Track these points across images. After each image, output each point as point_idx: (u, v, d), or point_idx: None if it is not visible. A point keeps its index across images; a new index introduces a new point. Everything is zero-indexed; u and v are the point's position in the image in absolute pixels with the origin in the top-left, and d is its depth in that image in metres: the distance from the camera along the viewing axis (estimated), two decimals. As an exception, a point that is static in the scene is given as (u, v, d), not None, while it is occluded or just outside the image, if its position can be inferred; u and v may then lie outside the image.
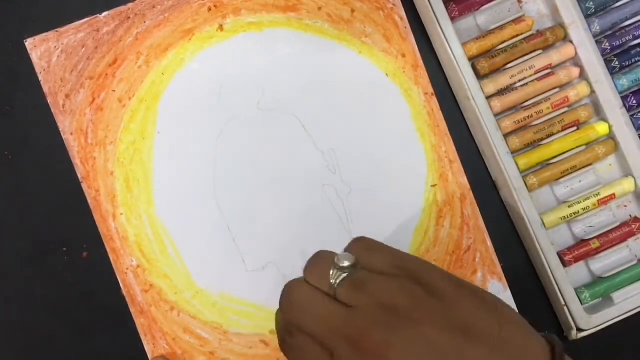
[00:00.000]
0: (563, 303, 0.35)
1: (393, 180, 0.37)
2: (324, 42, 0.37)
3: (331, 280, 0.25)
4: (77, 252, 0.36)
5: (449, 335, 0.23)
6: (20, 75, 0.36)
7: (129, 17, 0.36)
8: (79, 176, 0.36)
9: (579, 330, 0.35)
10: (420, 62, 0.37)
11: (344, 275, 0.25)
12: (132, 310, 0.36)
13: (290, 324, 0.26)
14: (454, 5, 0.36)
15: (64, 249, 0.36)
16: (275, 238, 0.37)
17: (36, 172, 0.36)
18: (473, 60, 0.37)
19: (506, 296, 0.37)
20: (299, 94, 0.37)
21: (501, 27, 0.37)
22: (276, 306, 0.36)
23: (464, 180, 0.37)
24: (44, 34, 0.36)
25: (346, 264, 0.26)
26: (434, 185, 0.37)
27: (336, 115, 0.37)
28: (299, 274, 0.36)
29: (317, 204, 0.37)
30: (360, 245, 0.27)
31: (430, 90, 0.37)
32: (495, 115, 0.36)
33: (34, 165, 0.36)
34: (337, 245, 0.36)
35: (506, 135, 0.37)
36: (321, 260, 0.27)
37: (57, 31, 0.36)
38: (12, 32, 0.36)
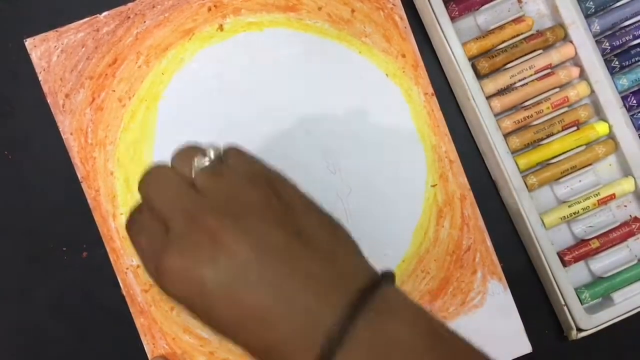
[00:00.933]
0: (563, 303, 0.35)
1: (393, 181, 0.37)
2: (323, 42, 0.37)
3: (194, 165, 0.26)
4: (77, 252, 0.36)
5: (284, 233, 0.24)
6: (21, 75, 0.36)
7: (129, 17, 0.36)
8: (79, 176, 0.36)
9: (579, 330, 0.35)
10: (420, 62, 0.37)
11: (207, 164, 0.26)
12: (132, 310, 0.36)
13: (142, 202, 0.26)
14: (454, 5, 0.36)
15: (64, 249, 0.36)
16: None
17: (36, 172, 0.36)
18: (473, 60, 0.37)
19: (506, 297, 0.37)
20: (298, 94, 0.37)
21: (501, 27, 0.37)
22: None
23: (464, 180, 0.37)
24: (44, 34, 0.36)
25: (212, 154, 0.26)
26: (433, 185, 0.37)
27: (336, 115, 0.37)
28: None
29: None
30: (232, 148, 0.28)
31: (430, 90, 0.37)
32: (495, 115, 0.36)
33: (34, 165, 0.36)
34: None
35: (506, 135, 0.37)
36: (189, 149, 0.27)
37: (57, 31, 0.36)
38: (13, 32, 0.36)
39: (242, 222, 0.24)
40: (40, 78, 0.36)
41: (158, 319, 0.36)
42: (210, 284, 0.23)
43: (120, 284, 0.36)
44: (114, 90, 0.36)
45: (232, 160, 0.27)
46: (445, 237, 0.37)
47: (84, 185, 0.36)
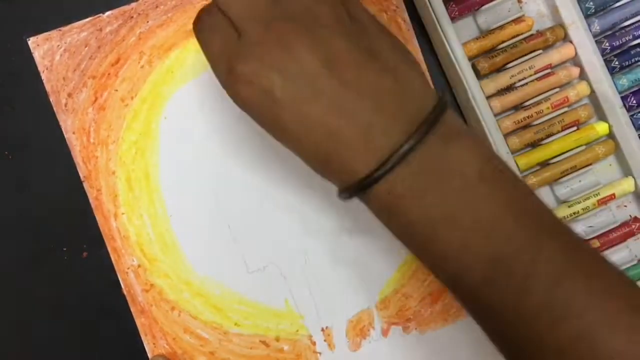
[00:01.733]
0: (563, 303, 0.35)
1: None
2: None
3: None
4: (77, 252, 0.36)
5: (356, 49, 0.24)
6: (21, 75, 0.36)
7: (132, 17, 0.36)
8: (81, 175, 0.36)
9: (579, 330, 0.35)
10: (423, 64, 0.37)
11: None
12: (132, 309, 0.36)
13: (213, 4, 0.27)
14: (454, 5, 0.36)
15: (64, 249, 0.36)
16: (277, 238, 0.37)
17: (36, 172, 0.36)
18: (473, 60, 0.37)
19: None
20: None
21: (501, 27, 0.37)
22: (276, 307, 0.36)
23: None
24: (47, 33, 0.36)
25: None
26: None
27: None
28: (301, 274, 0.37)
29: (317, 203, 0.37)
30: None
31: None
32: (495, 115, 0.36)
33: (34, 165, 0.36)
34: (338, 246, 0.36)
35: (506, 135, 0.37)
36: None
37: (60, 30, 0.36)
38: (14, 31, 0.36)
39: (316, 33, 0.24)
40: (43, 77, 0.36)
41: (159, 319, 0.36)
42: (278, 91, 0.24)
43: (121, 284, 0.36)
44: (117, 90, 0.36)
45: None
46: None
47: (85, 185, 0.36)
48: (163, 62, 0.37)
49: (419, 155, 0.23)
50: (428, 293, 0.37)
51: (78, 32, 0.36)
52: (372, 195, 0.25)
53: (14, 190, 0.36)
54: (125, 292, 0.36)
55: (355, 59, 0.24)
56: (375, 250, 0.37)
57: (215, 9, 0.26)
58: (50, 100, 0.36)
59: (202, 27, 0.27)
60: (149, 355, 0.36)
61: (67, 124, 0.36)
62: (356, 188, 0.25)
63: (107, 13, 0.36)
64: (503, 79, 0.36)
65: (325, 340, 0.36)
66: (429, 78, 0.27)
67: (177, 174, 0.36)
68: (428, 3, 0.36)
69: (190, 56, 0.37)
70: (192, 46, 0.37)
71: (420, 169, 0.23)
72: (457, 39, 0.36)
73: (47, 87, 0.36)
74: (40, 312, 0.36)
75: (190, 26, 0.36)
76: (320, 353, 0.36)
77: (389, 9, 0.37)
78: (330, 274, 0.36)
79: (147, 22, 0.36)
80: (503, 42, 0.37)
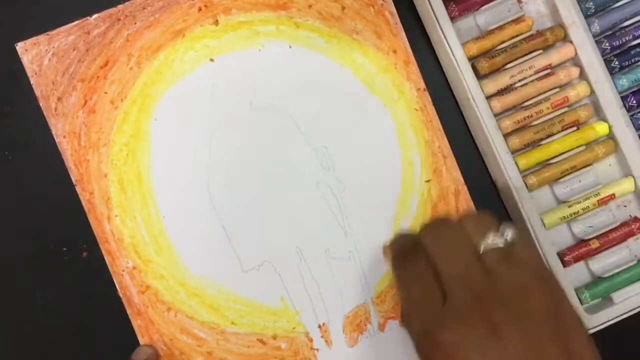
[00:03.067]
0: (563, 303, 0.35)
1: (387, 177, 0.37)
2: (315, 39, 0.37)
3: (488, 241, 0.26)
4: (77, 252, 0.36)
5: (557, 351, 0.24)
6: (20, 76, 0.36)
7: (119, 19, 0.36)
8: (73, 179, 0.36)
9: (579, 330, 0.35)
10: (412, 58, 0.37)
11: (501, 243, 0.26)
12: (128, 311, 0.36)
13: (419, 248, 0.26)
14: (454, 5, 0.36)
15: (64, 249, 0.36)
16: (271, 237, 0.37)
17: (36, 172, 0.36)
18: (473, 60, 0.37)
19: None
20: (291, 92, 0.37)
21: (501, 27, 0.37)
22: (272, 304, 0.36)
23: (458, 174, 0.37)
24: (35, 38, 0.36)
25: (509, 235, 0.27)
26: (427, 181, 0.37)
27: (329, 113, 0.37)
28: (295, 272, 0.37)
29: (311, 201, 0.37)
30: (523, 237, 0.28)
31: (423, 85, 0.37)
32: (495, 115, 0.36)
33: (34, 165, 0.36)
34: (333, 242, 0.36)
35: (506, 135, 0.37)
36: (486, 220, 0.28)
37: (47, 34, 0.36)
38: (10, 31, 0.36)
39: (523, 325, 0.24)
40: (32, 82, 0.36)
41: (155, 320, 0.36)
42: None
43: (117, 286, 0.36)
44: (106, 93, 0.36)
45: (523, 250, 0.27)
46: None
47: (78, 188, 0.36)
48: (152, 63, 0.37)
49: None
50: None
51: (66, 35, 0.36)
52: None
53: (14, 190, 0.36)
54: (120, 295, 0.36)
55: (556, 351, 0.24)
56: (370, 246, 0.37)
57: (425, 258, 0.26)
58: (40, 104, 0.36)
59: (405, 270, 0.27)
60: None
61: (58, 128, 0.36)
62: None
63: (94, 16, 0.36)
64: (503, 79, 0.36)
65: (322, 337, 0.36)
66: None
67: (170, 174, 0.36)
68: (428, 3, 0.36)
69: (178, 57, 0.37)
70: (181, 47, 0.37)
71: None
72: (457, 39, 0.36)
73: (37, 91, 0.36)
74: (40, 312, 0.36)
75: (179, 26, 0.36)
76: (317, 349, 0.36)
77: (375, 3, 0.37)
78: (325, 270, 0.37)
79: (135, 23, 0.36)
80: (503, 42, 0.37)
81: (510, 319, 0.24)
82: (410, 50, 0.37)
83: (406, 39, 0.37)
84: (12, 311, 0.36)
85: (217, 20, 0.37)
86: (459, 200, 0.37)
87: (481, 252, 0.26)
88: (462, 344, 0.23)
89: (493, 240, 0.26)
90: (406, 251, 0.28)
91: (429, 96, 0.37)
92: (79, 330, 0.36)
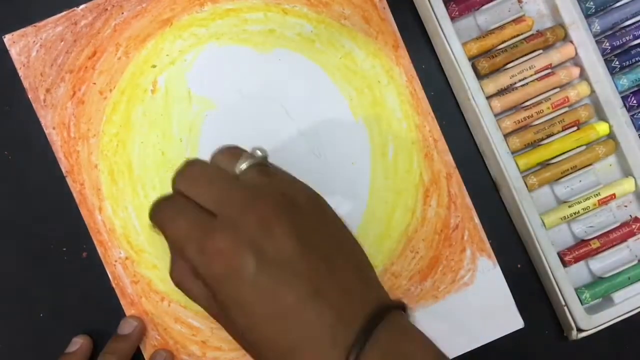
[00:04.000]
0: (563, 303, 0.35)
1: (378, 162, 0.37)
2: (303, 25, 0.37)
3: (240, 165, 0.26)
4: (77, 252, 0.36)
5: (328, 243, 0.25)
6: (19, 75, 0.36)
7: (107, 9, 0.36)
8: (63, 170, 0.36)
9: (579, 330, 0.35)
10: (401, 42, 0.37)
11: (254, 162, 0.27)
12: (122, 302, 0.36)
13: (177, 192, 0.27)
14: (454, 5, 0.36)
15: (64, 249, 0.36)
16: None
17: (36, 172, 0.36)
18: (473, 60, 0.37)
19: (496, 273, 0.37)
20: (280, 79, 0.37)
21: (501, 27, 0.37)
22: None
23: (449, 158, 0.37)
24: (22, 29, 0.36)
25: (259, 154, 0.27)
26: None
27: (318, 99, 0.37)
28: None
29: None
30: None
31: (412, 70, 0.37)
32: (495, 115, 0.36)
33: (34, 165, 0.36)
34: None
35: (506, 135, 0.37)
36: (234, 148, 0.28)
37: (35, 26, 0.36)
38: (8, 31, 0.36)
39: (295, 219, 0.24)
40: (20, 74, 0.36)
41: (149, 310, 0.36)
42: (248, 272, 0.23)
43: (110, 277, 0.36)
44: (95, 83, 0.36)
45: (275, 167, 0.28)
46: (432, 216, 0.37)
47: (68, 179, 0.36)
48: (140, 53, 0.36)
49: (371, 352, 0.23)
50: (417, 271, 0.37)
51: (53, 27, 0.36)
52: None
53: (14, 190, 0.36)
54: (114, 285, 0.36)
55: (327, 254, 0.25)
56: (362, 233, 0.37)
57: (179, 196, 0.26)
58: (29, 96, 0.36)
59: (164, 209, 0.27)
60: (142, 349, 0.36)
61: (47, 119, 0.36)
62: None
63: (82, 6, 0.36)
64: (503, 79, 0.36)
65: None
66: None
67: (161, 163, 0.36)
68: (428, 3, 0.36)
69: (167, 46, 0.37)
70: (169, 36, 0.37)
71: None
72: (457, 39, 0.36)
73: (25, 83, 0.36)
74: (41, 312, 0.36)
75: (166, 15, 0.36)
76: None
77: None
78: None
79: (122, 13, 0.36)
80: (503, 42, 0.37)
81: (283, 216, 0.24)
82: (399, 34, 0.37)
83: (394, 23, 0.37)
84: (12, 311, 0.36)
85: (204, 8, 0.37)
86: (451, 183, 0.37)
87: (238, 174, 0.26)
88: (239, 247, 0.23)
89: (246, 161, 0.27)
90: (160, 200, 0.28)
91: (418, 81, 0.37)
92: (79, 330, 0.36)
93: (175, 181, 0.28)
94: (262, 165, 0.27)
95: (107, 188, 0.36)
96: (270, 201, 0.25)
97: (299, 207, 0.25)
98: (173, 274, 0.28)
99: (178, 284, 0.28)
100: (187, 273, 0.27)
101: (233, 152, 0.28)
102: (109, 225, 0.36)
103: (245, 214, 0.24)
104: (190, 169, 0.27)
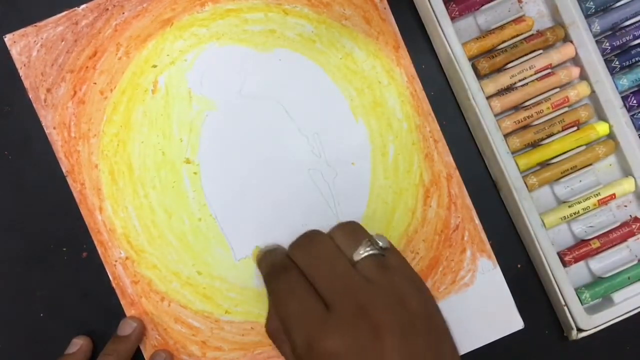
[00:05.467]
0: (563, 303, 0.35)
1: (378, 162, 0.37)
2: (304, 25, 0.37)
3: (360, 251, 0.26)
4: (77, 252, 0.36)
5: (432, 355, 0.24)
6: (19, 75, 0.36)
7: (107, 9, 0.36)
8: (64, 170, 0.36)
9: (579, 330, 0.35)
10: (401, 43, 0.37)
11: (374, 252, 0.26)
12: (122, 302, 0.36)
13: (291, 263, 0.26)
14: (454, 5, 0.36)
15: (64, 249, 0.36)
16: (263, 224, 0.37)
17: (36, 172, 0.36)
18: (473, 60, 0.37)
19: (496, 274, 0.37)
20: (280, 79, 0.37)
21: (501, 27, 0.37)
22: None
23: (450, 159, 0.37)
24: (23, 29, 0.36)
25: (381, 244, 0.27)
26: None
27: (318, 99, 0.37)
28: None
29: (303, 188, 0.37)
30: (393, 247, 0.28)
31: (413, 70, 0.37)
32: (495, 115, 0.36)
33: (34, 165, 0.36)
34: (325, 228, 0.36)
35: (506, 135, 0.37)
36: (356, 230, 0.28)
37: (35, 26, 0.36)
38: (9, 30, 0.36)
39: (408, 338, 0.24)
40: (21, 74, 0.36)
41: (149, 310, 0.36)
42: None
43: (110, 277, 0.36)
44: (95, 83, 0.36)
45: (395, 258, 0.27)
46: (433, 217, 0.37)
47: (69, 179, 0.36)
48: (140, 53, 0.37)
49: None
50: (417, 271, 0.37)
51: (54, 26, 0.36)
52: None
53: (14, 190, 0.36)
54: (114, 285, 0.36)
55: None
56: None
57: (296, 270, 0.26)
58: (30, 96, 0.36)
59: (277, 284, 0.26)
60: (142, 349, 0.36)
61: (48, 119, 0.36)
62: None
63: (82, 6, 0.36)
64: (503, 79, 0.36)
65: None
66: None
67: (161, 163, 0.36)
68: (428, 3, 0.36)
69: (167, 46, 0.37)
70: (169, 36, 0.37)
71: None
72: (457, 39, 0.36)
73: (26, 83, 0.36)
74: (40, 312, 0.36)
75: (167, 15, 0.36)
76: None
77: None
78: None
79: (123, 13, 0.36)
80: (503, 42, 0.37)
81: (393, 325, 0.24)
82: (399, 34, 0.37)
83: (395, 24, 0.37)
84: (12, 311, 0.36)
85: (205, 8, 0.37)
86: (452, 184, 0.37)
87: (356, 261, 0.26)
88: (347, 353, 0.23)
89: (366, 249, 0.26)
90: (277, 267, 0.27)
91: (419, 81, 0.37)
92: (79, 330, 0.36)
93: (292, 250, 0.27)
94: (381, 255, 0.27)
95: (108, 188, 0.36)
96: (387, 311, 0.24)
97: (412, 320, 0.25)
98: (269, 327, 0.28)
99: (271, 336, 0.28)
100: (282, 331, 0.27)
101: (355, 234, 0.27)
102: (109, 225, 0.36)
103: (361, 319, 0.24)
104: (310, 244, 0.27)
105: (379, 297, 0.25)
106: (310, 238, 0.28)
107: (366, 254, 0.26)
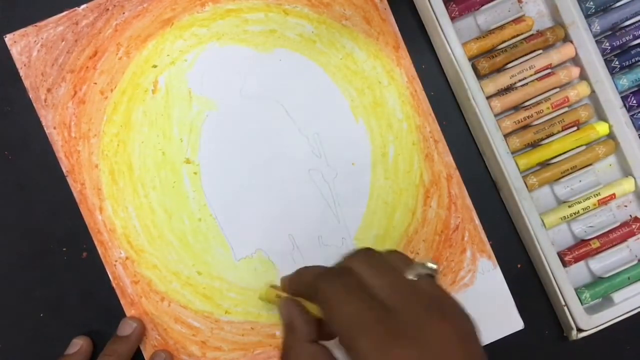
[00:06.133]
0: (563, 303, 0.35)
1: (378, 162, 0.37)
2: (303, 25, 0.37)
3: (412, 270, 0.26)
4: (77, 252, 0.36)
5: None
6: (19, 75, 0.36)
7: (108, 9, 0.36)
8: (64, 170, 0.36)
9: (579, 330, 0.35)
10: (402, 43, 0.37)
11: (426, 272, 0.26)
12: (122, 302, 0.36)
13: (349, 268, 0.26)
14: (454, 5, 0.36)
15: (64, 249, 0.36)
16: (264, 224, 0.37)
17: (36, 172, 0.36)
18: (473, 60, 0.37)
19: (496, 274, 0.37)
20: (281, 79, 0.37)
21: (501, 27, 0.37)
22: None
23: (450, 159, 0.37)
24: (23, 29, 0.36)
25: (431, 267, 0.27)
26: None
27: (319, 99, 0.37)
28: (288, 259, 0.37)
29: (304, 188, 0.37)
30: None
31: (413, 71, 0.37)
32: (495, 115, 0.36)
33: (34, 165, 0.36)
34: (326, 229, 0.37)
35: (506, 135, 0.37)
36: (404, 255, 0.28)
37: (36, 25, 0.36)
38: (9, 30, 0.36)
39: (472, 348, 0.24)
40: (21, 73, 0.36)
41: (149, 310, 0.36)
42: None
43: (110, 277, 0.36)
44: (96, 83, 0.36)
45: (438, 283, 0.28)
46: (433, 217, 0.37)
47: (69, 179, 0.36)
48: (141, 53, 0.37)
49: None
50: None
51: (54, 26, 0.36)
52: None
53: (14, 190, 0.36)
54: (114, 285, 0.36)
55: None
56: (362, 232, 0.37)
57: (350, 273, 0.26)
58: (30, 96, 0.36)
59: (332, 287, 0.25)
60: (142, 349, 0.36)
61: (48, 119, 0.36)
62: None
63: (83, 6, 0.36)
64: (503, 79, 0.36)
65: None
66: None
67: (162, 164, 0.36)
68: (428, 3, 0.36)
69: (167, 46, 0.37)
70: (169, 36, 0.37)
71: None
72: (457, 39, 0.36)
73: (26, 83, 0.36)
74: (40, 312, 0.36)
75: (167, 15, 0.36)
76: None
77: None
78: (318, 257, 0.37)
79: (123, 13, 0.36)
80: (503, 42, 0.37)
81: (453, 335, 0.24)
82: (399, 35, 0.37)
83: (395, 24, 0.37)
84: (12, 311, 0.36)
85: (205, 9, 0.37)
86: (452, 184, 0.37)
87: (412, 278, 0.26)
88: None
89: (418, 268, 0.26)
90: (334, 272, 0.27)
91: (419, 81, 0.37)
92: (79, 330, 0.36)
93: (349, 258, 0.27)
94: (432, 277, 0.27)
95: (108, 188, 0.36)
96: (456, 321, 0.24)
97: (467, 328, 0.25)
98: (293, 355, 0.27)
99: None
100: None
101: (405, 258, 0.28)
102: (110, 225, 0.36)
103: (433, 325, 0.23)
104: (366, 255, 0.27)
105: (448, 308, 0.25)
106: (365, 251, 0.27)
107: (418, 274, 0.26)
